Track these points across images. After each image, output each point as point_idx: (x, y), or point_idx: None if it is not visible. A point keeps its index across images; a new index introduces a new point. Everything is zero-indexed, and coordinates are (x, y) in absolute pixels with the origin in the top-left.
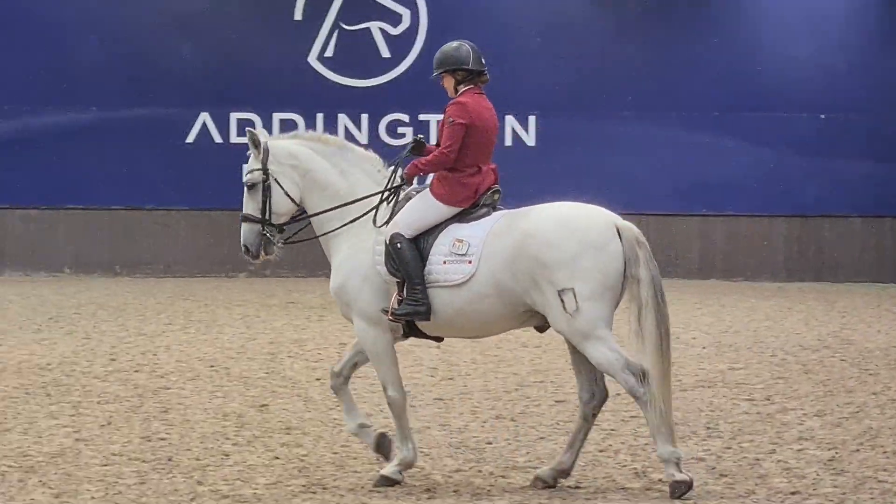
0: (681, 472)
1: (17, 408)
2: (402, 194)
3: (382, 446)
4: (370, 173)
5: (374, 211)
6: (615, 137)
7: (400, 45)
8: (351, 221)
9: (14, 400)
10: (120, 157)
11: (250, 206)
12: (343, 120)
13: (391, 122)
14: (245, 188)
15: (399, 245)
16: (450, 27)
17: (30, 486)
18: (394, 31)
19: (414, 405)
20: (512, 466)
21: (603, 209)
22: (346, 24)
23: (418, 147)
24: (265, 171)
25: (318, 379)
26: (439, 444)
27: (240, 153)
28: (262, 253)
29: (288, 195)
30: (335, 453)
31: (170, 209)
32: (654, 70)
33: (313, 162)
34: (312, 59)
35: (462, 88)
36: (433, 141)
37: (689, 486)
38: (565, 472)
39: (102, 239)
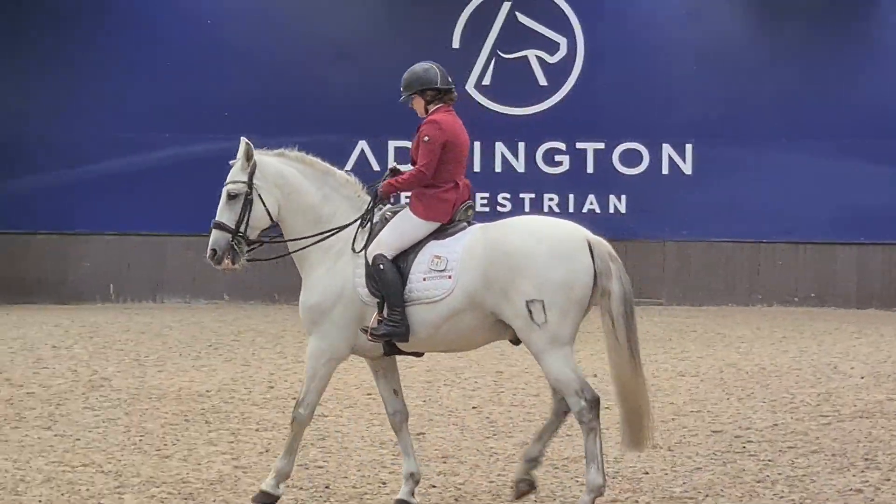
0: (593, 499)
1: (176, 434)
2: (377, 216)
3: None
4: (350, 199)
5: (352, 240)
6: (771, 164)
7: (557, 73)
8: (322, 239)
9: (174, 427)
10: None
11: (226, 214)
12: (500, 148)
13: (548, 150)
14: (225, 196)
15: (381, 266)
16: (606, 55)
17: None
18: (551, 60)
19: (570, 434)
20: (669, 497)
21: (575, 224)
22: (503, 53)
23: (394, 174)
24: (250, 184)
25: (474, 407)
26: None
27: None
28: (228, 262)
29: (268, 212)
30: (491, 482)
31: None
32: (810, 96)
33: (299, 184)
34: (470, 88)
35: (432, 108)
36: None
37: None
38: (535, 462)
39: (260, 267)
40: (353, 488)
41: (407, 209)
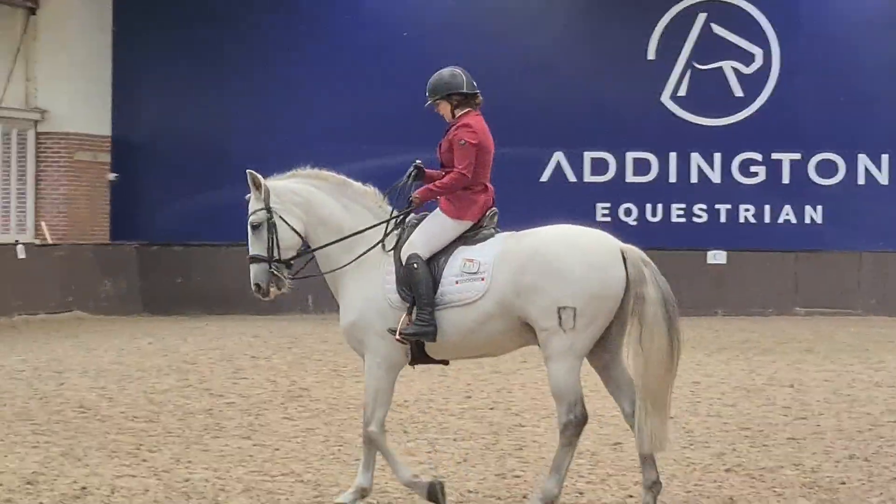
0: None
1: None
2: (408, 219)
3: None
4: (371, 208)
5: (381, 239)
6: None
7: (752, 83)
8: (362, 255)
9: None
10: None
11: (256, 246)
12: (696, 159)
13: (744, 160)
14: (250, 229)
15: (416, 265)
16: (802, 66)
17: None
18: (746, 71)
19: (767, 444)
20: None
21: (608, 234)
22: (698, 64)
23: (419, 174)
24: (268, 209)
25: (671, 417)
26: (792, 483)
27: (593, 192)
28: (275, 289)
29: (293, 229)
30: (688, 492)
31: None
32: None
33: (315, 197)
34: (665, 99)
35: (459, 112)
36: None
37: None
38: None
39: None
40: None
41: (438, 211)
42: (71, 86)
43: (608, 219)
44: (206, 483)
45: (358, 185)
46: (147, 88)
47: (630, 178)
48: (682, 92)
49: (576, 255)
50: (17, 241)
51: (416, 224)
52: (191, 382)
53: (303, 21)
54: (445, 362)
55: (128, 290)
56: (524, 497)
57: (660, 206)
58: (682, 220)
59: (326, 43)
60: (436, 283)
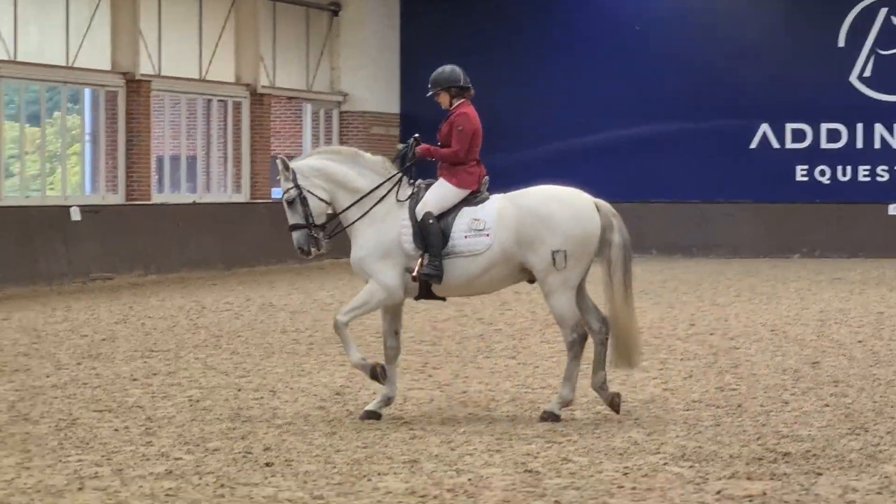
0: (560, 410)
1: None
2: (414, 188)
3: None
4: (380, 172)
5: (395, 189)
6: None
7: None
8: (371, 208)
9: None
10: (696, 160)
11: (294, 217)
12: (879, 129)
13: None
14: (286, 205)
15: (431, 221)
16: None
17: (626, 426)
18: None
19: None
20: None
21: (582, 191)
22: (881, 50)
23: (418, 142)
24: (297, 187)
25: (859, 341)
26: None
27: (793, 157)
28: (315, 249)
29: (322, 200)
30: (875, 402)
31: (736, 202)
32: None
33: (333, 168)
34: (853, 79)
35: (456, 102)
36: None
37: (556, 419)
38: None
39: (687, 226)
40: (761, 406)
41: (440, 181)
42: (367, 73)
43: (805, 178)
44: (480, 394)
45: (368, 155)
46: (428, 72)
47: (824, 144)
48: (867, 73)
49: (563, 209)
50: None
51: (427, 186)
52: (466, 313)
53: (556, 13)
54: (443, 299)
55: None
56: (739, 406)
57: (849, 167)
58: (867, 179)
59: (575, 33)
60: (446, 236)
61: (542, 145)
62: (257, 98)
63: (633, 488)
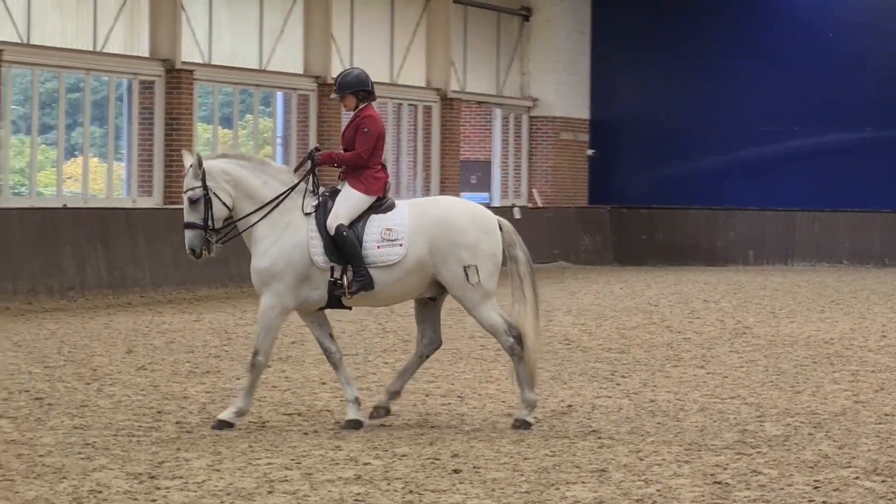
0: (530, 414)
1: (806, 374)
2: (317, 198)
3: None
4: (286, 182)
5: (300, 200)
6: None
7: None
8: (270, 213)
9: (804, 367)
10: (887, 167)
11: (192, 215)
12: None
13: None
14: (188, 202)
15: (345, 233)
16: None
17: (817, 439)
18: None
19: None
20: None
21: (483, 207)
22: None
23: (318, 151)
24: (205, 187)
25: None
26: None
27: None
28: (206, 252)
29: (225, 205)
30: None
31: None
32: None
33: (241, 175)
34: None
35: (361, 105)
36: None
37: (528, 426)
38: (397, 395)
39: (873, 236)
40: None
41: (347, 187)
42: (557, 78)
43: None
44: (669, 403)
45: (275, 164)
46: (618, 79)
47: None
48: None
49: (471, 223)
50: (513, 204)
51: (331, 194)
52: (654, 321)
53: (747, 20)
54: (350, 308)
55: (602, 245)
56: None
57: None
58: None
59: (766, 40)
60: (359, 243)
61: (730, 151)
62: (447, 102)
63: (824, 502)
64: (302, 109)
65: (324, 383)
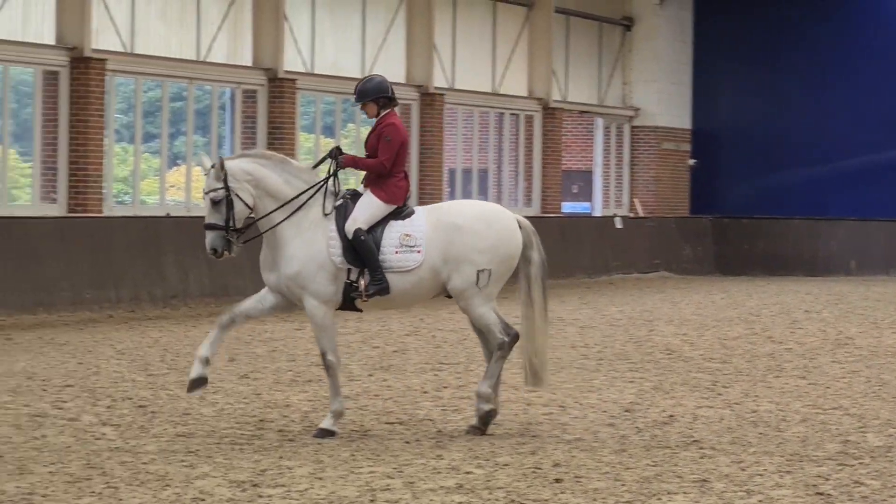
0: (488, 405)
1: None
2: (338, 200)
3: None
4: (308, 181)
5: (321, 199)
6: None
7: None
8: (293, 214)
9: None
10: None
11: (214, 216)
12: None
13: None
14: (210, 203)
15: (363, 237)
16: None
17: None
18: None
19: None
20: None
21: (504, 208)
22: None
23: (340, 152)
24: (227, 188)
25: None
26: None
27: None
28: (227, 252)
29: (246, 204)
30: None
31: None
32: None
33: (262, 174)
34: None
35: (383, 112)
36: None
37: (493, 415)
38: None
39: None
40: None
41: (369, 194)
42: (658, 87)
43: None
44: (770, 414)
45: (297, 163)
46: (719, 88)
47: None
48: None
49: (489, 228)
50: (615, 214)
51: (351, 197)
52: (756, 331)
53: (849, 30)
54: (360, 311)
55: (704, 255)
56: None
57: None
58: None
59: (868, 49)
60: (377, 248)
61: (831, 160)
62: (549, 112)
63: None
64: (404, 118)
65: (425, 392)
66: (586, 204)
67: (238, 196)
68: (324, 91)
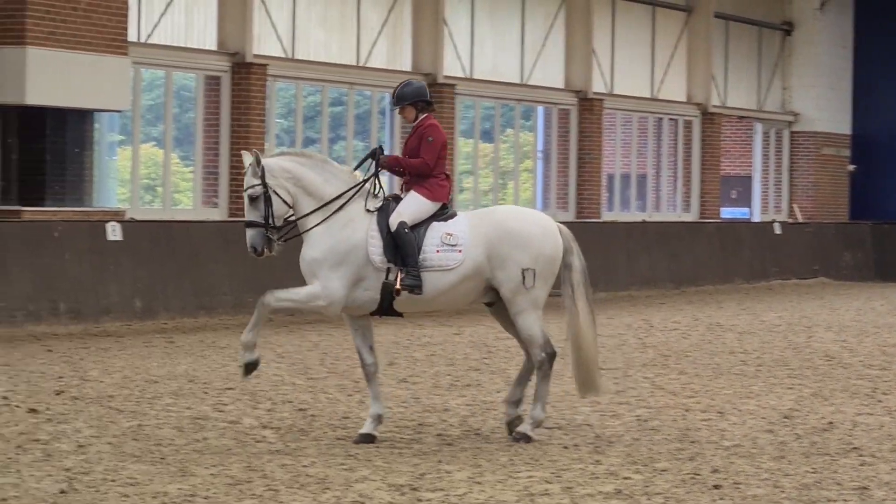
0: (533, 431)
1: None
2: (380, 201)
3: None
4: (347, 182)
5: (363, 198)
6: None
7: None
8: (332, 215)
9: None
10: None
11: (253, 214)
12: None
13: None
14: (248, 200)
15: (406, 231)
16: None
17: None
18: None
19: None
20: None
21: (544, 213)
22: None
23: (382, 151)
24: (265, 184)
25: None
26: None
27: None
28: (267, 251)
29: (285, 202)
30: None
31: None
32: None
33: (301, 172)
34: None
35: (421, 116)
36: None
37: (528, 440)
38: (518, 403)
39: None
40: None
41: (412, 193)
42: (818, 93)
43: None
44: None
45: (335, 163)
46: (880, 94)
47: None
48: None
49: (533, 228)
50: (773, 219)
51: (394, 199)
52: None
53: None
54: (402, 315)
55: (863, 261)
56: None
57: None
58: None
59: None
60: (418, 248)
61: None
62: (708, 117)
63: None
64: (562, 124)
65: (583, 397)
66: (745, 209)
67: (276, 193)
68: (482, 96)
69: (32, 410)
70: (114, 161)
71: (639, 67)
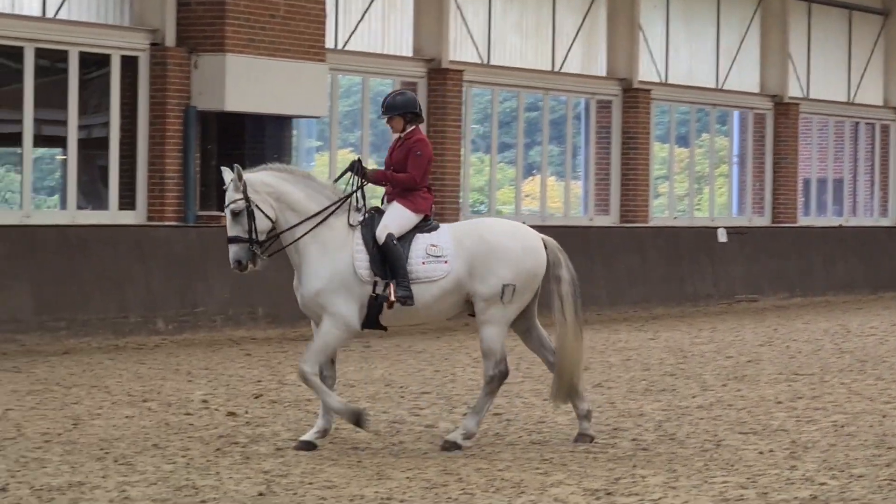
0: (463, 440)
1: None
2: (363, 215)
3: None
4: (330, 197)
5: (346, 214)
6: None
7: None
8: (315, 227)
9: None
10: None
11: (236, 229)
12: None
13: None
14: (230, 215)
15: (394, 242)
16: None
17: None
18: None
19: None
20: None
21: (528, 226)
22: None
23: (361, 164)
24: (247, 199)
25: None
26: None
27: None
28: (251, 266)
29: (267, 216)
30: None
31: None
32: None
33: (284, 187)
34: None
35: (409, 128)
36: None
37: (458, 448)
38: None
39: None
40: None
41: (395, 205)
42: None
43: None
44: None
45: (319, 179)
46: None
47: None
48: None
49: (515, 243)
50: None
51: (377, 212)
52: None
53: None
54: (385, 329)
55: None
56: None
57: None
58: None
59: None
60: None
61: None
62: None
63: None
64: (758, 129)
65: (779, 402)
66: None
67: (258, 207)
68: (678, 101)
69: (231, 414)
70: (312, 167)
71: (835, 71)
